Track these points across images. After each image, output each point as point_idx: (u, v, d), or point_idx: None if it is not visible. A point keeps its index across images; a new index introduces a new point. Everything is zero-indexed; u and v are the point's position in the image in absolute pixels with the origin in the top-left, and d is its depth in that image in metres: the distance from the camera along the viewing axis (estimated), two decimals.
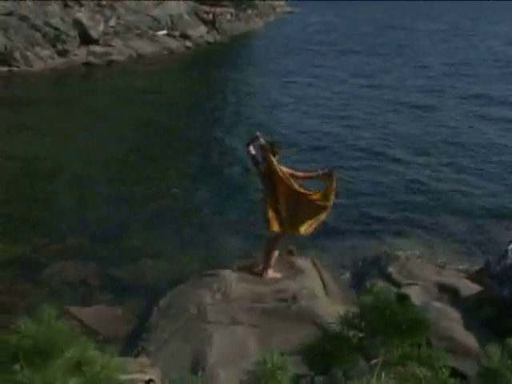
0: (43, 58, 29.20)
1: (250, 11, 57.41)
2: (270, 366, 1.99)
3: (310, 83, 27.43)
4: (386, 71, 30.74)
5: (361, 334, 2.25)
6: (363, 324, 2.22)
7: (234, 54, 39.99)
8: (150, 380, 5.39)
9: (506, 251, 7.81)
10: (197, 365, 6.56)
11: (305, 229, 7.98)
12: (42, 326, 2.13)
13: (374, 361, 2.01)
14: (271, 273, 8.24)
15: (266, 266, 8.21)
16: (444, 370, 2.04)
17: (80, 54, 31.26)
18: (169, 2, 40.47)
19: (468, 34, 53.36)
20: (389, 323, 2.05)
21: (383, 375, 1.90)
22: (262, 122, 19.71)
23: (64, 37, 30.59)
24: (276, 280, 8.14)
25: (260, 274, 8.25)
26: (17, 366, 1.98)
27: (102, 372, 2.07)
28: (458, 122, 20.12)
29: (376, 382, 1.81)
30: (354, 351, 2.18)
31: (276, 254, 8.20)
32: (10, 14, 29.08)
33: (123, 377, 2.23)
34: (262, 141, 7.86)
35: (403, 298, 2.30)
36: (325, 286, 8.30)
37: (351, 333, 2.23)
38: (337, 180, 8.07)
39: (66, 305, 8.13)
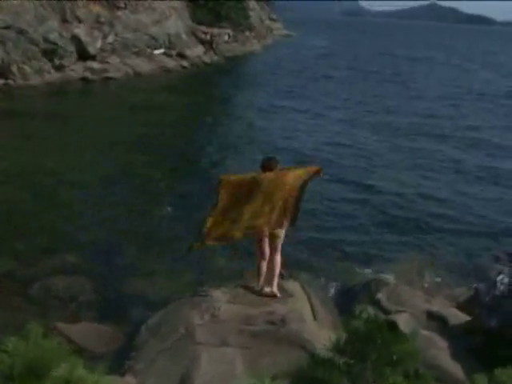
0: (40, 73, 29.28)
1: (247, 33, 57.83)
2: None
3: (299, 109, 27.39)
4: (377, 102, 30.45)
5: (350, 361, 2.27)
6: (353, 351, 2.24)
7: (230, 75, 40.19)
8: None
9: (495, 282, 7.86)
10: None
11: None
12: (30, 346, 2.13)
13: None
14: (275, 286, 8.20)
15: (273, 280, 8.16)
16: None
17: (77, 70, 31.37)
18: (167, 21, 40.73)
19: (463, 65, 53.81)
20: (380, 353, 2.07)
21: None
22: (248, 145, 19.82)
23: (61, 52, 30.71)
24: (267, 301, 8.10)
25: (259, 290, 8.21)
26: None
27: None
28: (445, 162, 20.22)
29: None
30: (343, 377, 2.20)
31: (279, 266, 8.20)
32: (8, 27, 29.17)
33: None
34: None
35: (392, 326, 2.32)
36: (313, 310, 8.29)
37: (341, 360, 2.25)
38: None
39: (55, 321, 8.09)
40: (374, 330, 2.14)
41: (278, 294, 8.18)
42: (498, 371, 2.37)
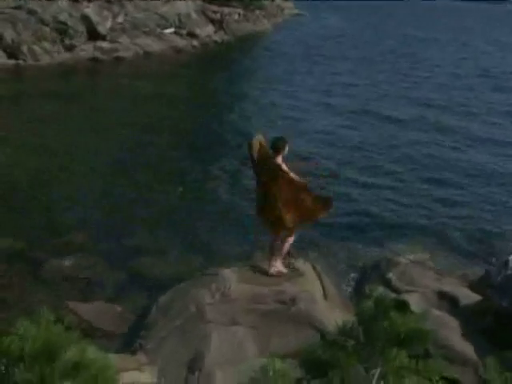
0: (50, 53, 29.24)
1: (258, 12, 57.32)
2: (271, 373, 2.00)
3: (307, 91, 27.02)
4: (384, 88, 29.69)
5: (359, 343, 2.25)
6: (361, 333, 2.22)
7: (241, 55, 39.91)
8: None
9: (507, 261, 7.80)
10: (194, 364, 6.57)
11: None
12: (41, 330, 2.13)
13: (373, 371, 2.01)
14: (280, 265, 8.22)
15: (278, 258, 8.18)
16: (440, 382, 2.04)
17: (87, 50, 31.27)
18: (177, 0, 40.47)
19: (473, 44, 53.12)
20: (387, 334, 2.05)
21: None
22: (257, 128, 19.59)
23: (71, 32, 30.62)
24: (277, 280, 8.10)
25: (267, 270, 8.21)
26: (17, 370, 1.99)
27: (98, 375, 2.07)
28: (455, 138, 20.06)
29: None
30: (351, 360, 2.18)
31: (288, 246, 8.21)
32: (18, 7, 29.13)
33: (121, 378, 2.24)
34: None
35: (402, 306, 2.30)
36: (324, 290, 8.29)
37: (350, 343, 2.23)
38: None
39: (66, 300, 8.14)
40: (382, 310, 2.12)
41: (284, 270, 8.19)
42: (509, 353, 2.34)
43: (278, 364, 2.05)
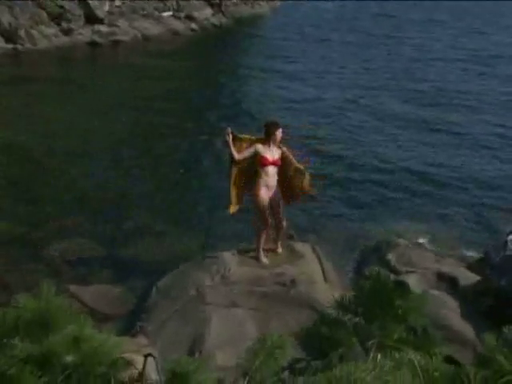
0: (48, 37, 29.08)
1: None
2: (269, 344, 2.01)
3: (301, 80, 26.66)
4: (380, 70, 29.19)
5: (357, 319, 2.26)
6: (360, 309, 2.22)
7: (239, 40, 39.62)
8: (149, 354, 5.38)
9: (506, 242, 7.82)
10: (194, 346, 6.61)
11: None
12: (41, 302, 2.15)
13: (371, 342, 2.02)
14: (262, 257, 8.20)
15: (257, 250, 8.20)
16: (439, 356, 2.05)
17: (85, 33, 31.07)
18: None
19: (480, 30, 52.62)
20: (386, 308, 2.06)
21: (379, 357, 1.91)
22: (254, 112, 19.42)
23: (69, 15, 30.44)
24: (276, 263, 8.11)
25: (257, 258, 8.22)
26: (15, 341, 1.99)
27: (98, 348, 2.08)
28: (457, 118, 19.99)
29: (372, 363, 1.83)
30: (350, 335, 2.19)
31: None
32: None
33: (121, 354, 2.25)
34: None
35: (401, 285, 2.31)
36: (324, 272, 8.31)
37: (347, 317, 2.24)
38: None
39: (66, 283, 8.16)
40: (380, 286, 2.12)
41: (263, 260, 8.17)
42: (506, 328, 2.35)
43: (276, 337, 2.06)
